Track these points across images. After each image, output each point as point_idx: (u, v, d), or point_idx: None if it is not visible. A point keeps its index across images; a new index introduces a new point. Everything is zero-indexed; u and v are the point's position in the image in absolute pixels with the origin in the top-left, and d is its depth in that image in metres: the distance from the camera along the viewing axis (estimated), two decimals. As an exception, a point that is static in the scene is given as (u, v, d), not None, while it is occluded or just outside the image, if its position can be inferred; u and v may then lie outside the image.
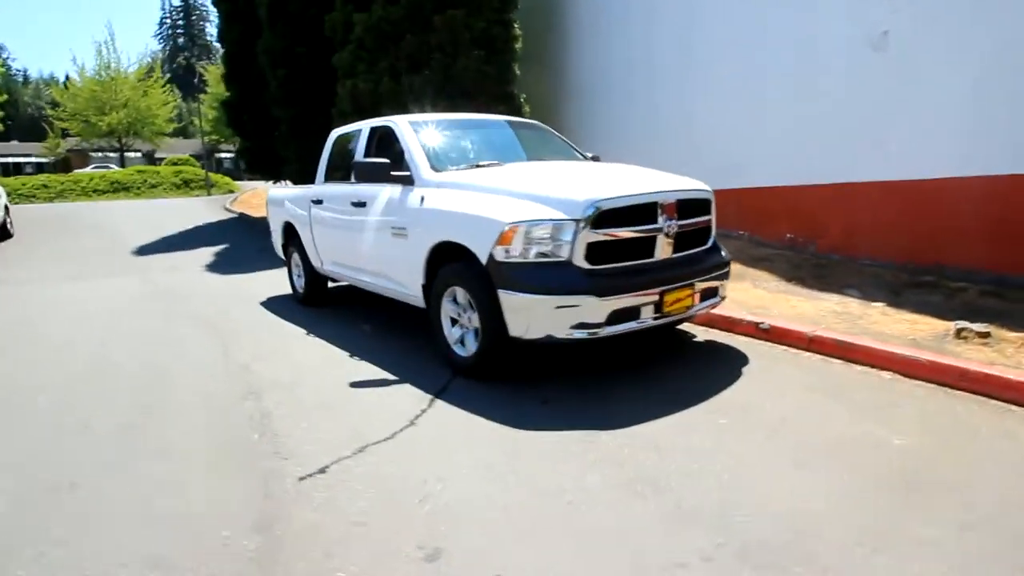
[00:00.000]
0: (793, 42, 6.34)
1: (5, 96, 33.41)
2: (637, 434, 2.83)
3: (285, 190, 6.78)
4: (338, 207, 5.10)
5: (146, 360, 4.46)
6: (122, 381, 4.01)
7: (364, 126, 5.02)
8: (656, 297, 3.40)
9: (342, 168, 5.28)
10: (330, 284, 6.14)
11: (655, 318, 3.45)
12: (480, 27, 10.90)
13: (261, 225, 16.14)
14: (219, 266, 9.72)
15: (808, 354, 3.89)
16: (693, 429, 2.86)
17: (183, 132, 47.68)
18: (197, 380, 3.97)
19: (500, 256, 3.31)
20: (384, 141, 4.82)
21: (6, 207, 13.39)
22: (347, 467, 2.65)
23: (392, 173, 4.18)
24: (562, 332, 3.25)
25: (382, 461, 2.69)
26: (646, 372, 3.72)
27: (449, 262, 3.80)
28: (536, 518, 2.22)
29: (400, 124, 4.52)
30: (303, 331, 5.17)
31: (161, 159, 37.06)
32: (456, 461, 2.66)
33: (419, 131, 4.41)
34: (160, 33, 67.05)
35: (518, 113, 11.71)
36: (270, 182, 17.64)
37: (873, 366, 3.55)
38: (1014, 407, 2.98)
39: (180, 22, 66.16)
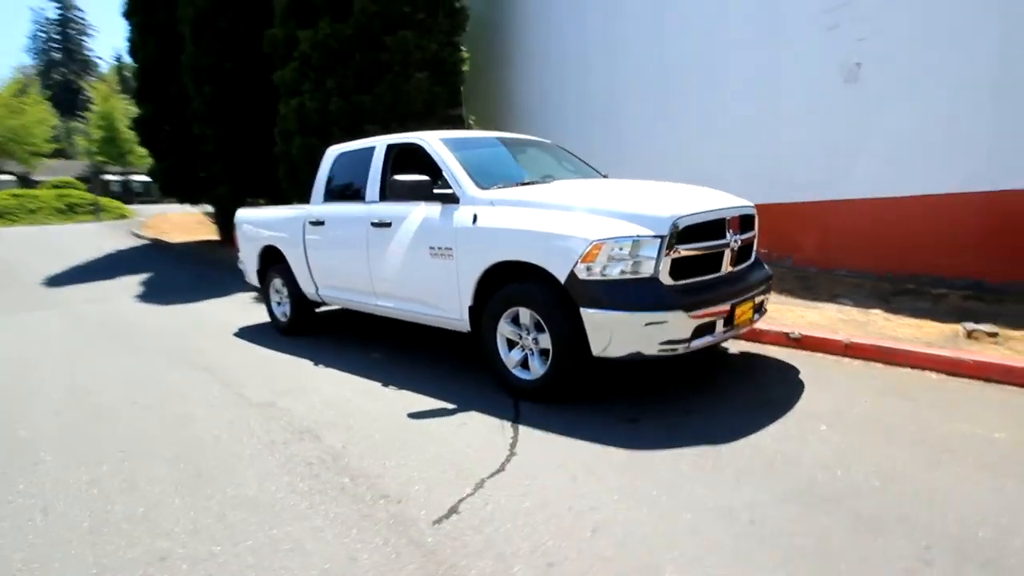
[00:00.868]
0: (758, 78, 6.80)
1: None
2: (756, 445, 2.83)
3: (263, 212, 6.30)
4: (349, 228, 4.79)
5: (147, 405, 3.93)
6: (138, 434, 3.49)
7: (378, 143, 4.78)
8: (728, 311, 3.45)
9: (349, 187, 4.98)
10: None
11: (724, 331, 3.50)
12: (432, 49, 10.82)
13: (181, 251, 14.98)
14: (155, 296, 8.85)
15: (847, 360, 4.10)
16: (804, 437, 2.90)
17: (62, 153, 43.38)
18: (226, 424, 3.54)
19: (582, 274, 3.23)
20: (408, 158, 4.60)
21: None
22: (478, 505, 2.44)
23: (434, 191, 4.00)
24: (651, 349, 3.21)
25: (512, 495, 2.50)
26: (708, 385, 3.75)
27: (506, 282, 3.67)
28: (730, 541, 2.12)
29: (431, 141, 4.33)
30: (309, 362, 4.79)
31: (38, 182, 33.45)
32: (591, 488, 2.53)
33: (452, 148, 4.25)
34: (34, 47, 60.81)
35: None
36: (186, 205, 16.37)
37: (915, 367, 3.79)
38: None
39: (56, 36, 60.35)
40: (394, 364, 4.62)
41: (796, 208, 6.46)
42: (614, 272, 3.21)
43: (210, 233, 16.85)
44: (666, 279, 3.25)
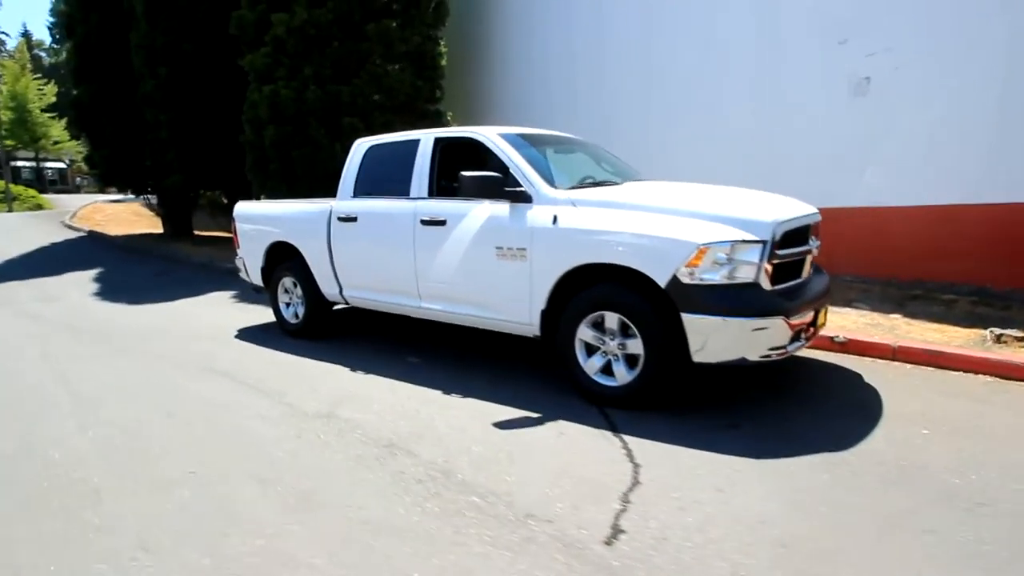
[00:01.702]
0: (759, 84, 6.99)
1: None
2: (874, 451, 2.85)
3: (271, 206, 5.87)
4: (390, 226, 4.52)
5: (187, 418, 3.55)
6: (195, 450, 3.14)
7: (423, 136, 4.53)
8: (812, 317, 3.49)
9: (387, 182, 4.71)
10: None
11: (806, 337, 3.53)
12: (416, 41, 10.51)
13: (124, 245, 13.84)
14: (116, 294, 8.14)
15: (896, 363, 4.24)
16: (912, 442, 2.95)
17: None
18: (294, 438, 3.24)
19: (685, 278, 3.16)
20: (456, 154, 4.40)
21: None
22: (638, 522, 2.31)
23: (506, 189, 3.82)
24: (754, 355, 3.19)
25: (669, 510, 2.39)
26: (781, 389, 3.77)
27: (584, 286, 3.56)
28: (927, 551, 2.10)
29: (491, 136, 4.15)
30: (343, 368, 4.50)
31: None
32: (744, 499, 2.46)
33: (516, 145, 4.09)
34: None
35: None
36: (108, 194, 15.15)
37: (966, 371, 3.97)
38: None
39: (-54, 3, 54.37)
40: (437, 369, 4.40)
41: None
42: (716, 277, 3.16)
43: (153, 226, 15.68)
44: (766, 284, 3.23)
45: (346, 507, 2.49)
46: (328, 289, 5.19)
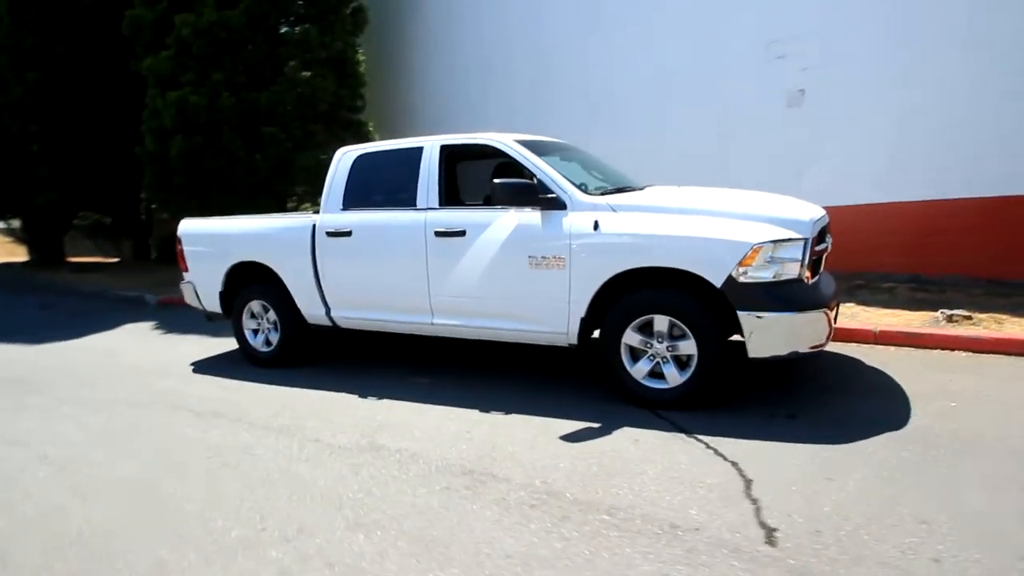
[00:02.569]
0: (699, 104, 7.46)
1: None
2: (926, 428, 3.07)
3: (229, 223, 5.28)
4: (395, 239, 4.25)
5: (223, 463, 3.10)
6: (252, 502, 2.73)
7: (426, 143, 4.30)
8: (834, 311, 3.73)
9: (386, 193, 4.42)
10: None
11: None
12: (337, 47, 10.08)
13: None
14: (4, 335, 6.93)
15: (880, 347, 4.66)
16: (953, 415, 3.22)
17: None
18: (352, 475, 2.93)
19: (740, 277, 3.26)
20: (464, 162, 4.23)
21: None
22: (784, 520, 2.31)
23: (540, 196, 3.73)
24: (805, 347, 3.35)
25: (803, 505, 2.42)
26: (801, 378, 3.99)
27: (628, 291, 3.57)
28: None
29: (509, 143, 4.03)
30: (350, 396, 4.17)
31: None
32: (855, 488, 2.54)
33: (535, 151, 4.00)
34: None
35: (365, 140, 11.16)
36: None
37: (943, 348, 4.45)
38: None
39: None
40: (452, 388, 4.19)
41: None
42: (767, 274, 3.29)
43: (14, 253, 13.55)
44: (807, 279, 3.42)
45: (476, 544, 2.28)
46: (311, 311, 4.77)
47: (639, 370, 3.60)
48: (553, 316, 3.80)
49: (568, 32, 8.84)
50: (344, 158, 4.65)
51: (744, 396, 3.68)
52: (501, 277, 3.90)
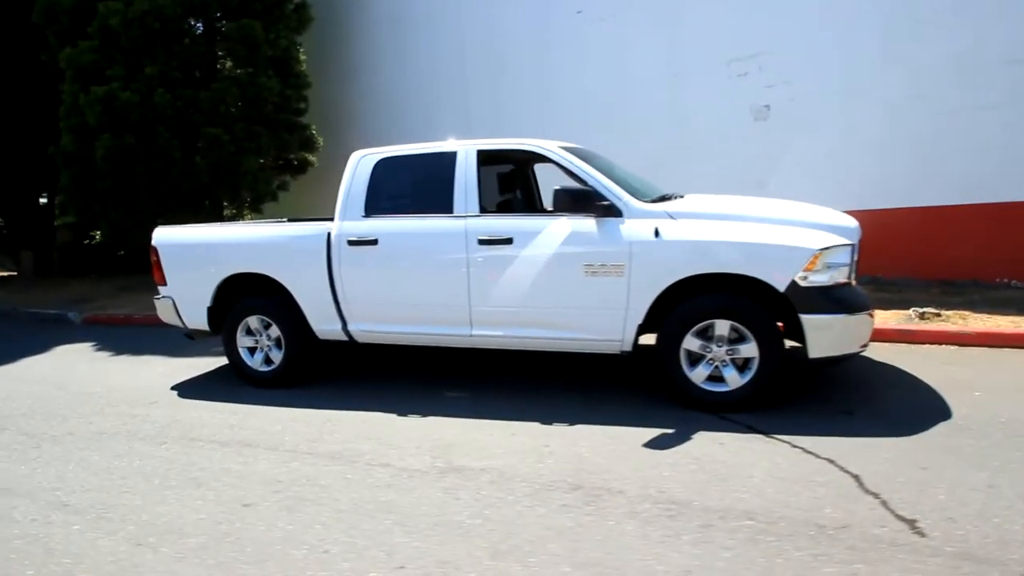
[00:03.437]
0: (667, 119, 7.78)
1: None
2: (971, 416, 3.34)
3: (227, 229, 4.81)
4: (431, 247, 4.06)
5: (293, 512, 2.78)
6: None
7: (460, 147, 4.13)
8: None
9: (417, 199, 4.22)
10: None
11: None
12: (283, 44, 9.56)
13: None
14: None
15: (873, 343, 5.02)
16: (983, 404, 3.53)
17: None
18: (455, 500, 2.74)
19: (802, 282, 3.41)
20: (513, 168, 4.12)
21: None
22: (923, 508, 2.41)
23: (598, 203, 3.69)
24: (856, 347, 3.56)
25: (917, 493, 2.53)
26: (828, 376, 4.23)
27: (685, 297, 3.62)
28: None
29: (556, 149, 3.97)
30: (390, 415, 3.93)
31: None
32: (956, 471, 2.69)
33: (581, 157, 3.97)
34: None
35: (311, 144, 10.73)
36: None
37: (932, 343, 4.89)
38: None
39: None
40: (494, 400, 4.06)
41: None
42: (825, 278, 3.46)
43: None
44: (854, 283, 3.64)
45: (645, 562, 2.19)
46: (324, 326, 4.44)
47: (698, 374, 3.66)
48: (608, 324, 3.77)
49: (527, 36, 8.90)
50: (363, 162, 4.37)
51: (793, 396, 3.83)
52: (553, 286, 3.82)
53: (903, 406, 3.61)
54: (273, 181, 9.96)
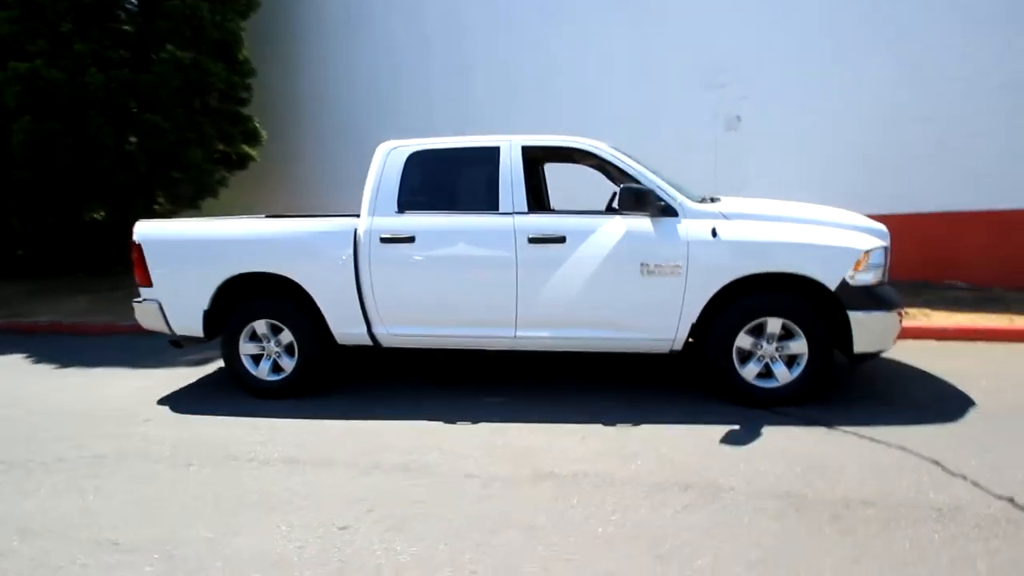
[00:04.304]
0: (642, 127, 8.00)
1: None
2: (993, 402, 3.66)
3: (225, 224, 4.32)
4: (476, 245, 3.88)
5: (399, 532, 2.53)
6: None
7: (503, 143, 3.98)
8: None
9: (458, 195, 4.02)
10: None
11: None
12: (231, 27, 8.90)
13: None
14: None
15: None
16: (995, 392, 3.85)
17: None
18: (611, 519, 2.62)
19: (851, 281, 3.59)
20: (537, 163, 4.02)
21: None
22: None
23: (657, 203, 3.68)
24: (891, 342, 3.79)
25: (1015, 476, 2.74)
26: (858, 369, 4.45)
27: (738, 295, 3.71)
28: None
29: (606, 148, 3.92)
30: (438, 423, 3.70)
31: None
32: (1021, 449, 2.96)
33: (631, 157, 3.95)
34: None
35: (254, 138, 10.09)
36: None
37: (918, 338, 5.30)
38: None
39: None
40: (537, 403, 3.95)
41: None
42: (868, 278, 3.66)
43: None
44: (887, 282, 3.88)
45: (838, 566, 2.17)
46: (346, 329, 4.12)
47: (750, 371, 3.75)
48: (662, 323, 3.78)
49: (492, 36, 8.83)
50: (393, 154, 4.11)
51: (828, 392, 4.00)
52: (607, 285, 3.77)
53: (928, 394, 3.89)
54: (215, 175, 9.18)
